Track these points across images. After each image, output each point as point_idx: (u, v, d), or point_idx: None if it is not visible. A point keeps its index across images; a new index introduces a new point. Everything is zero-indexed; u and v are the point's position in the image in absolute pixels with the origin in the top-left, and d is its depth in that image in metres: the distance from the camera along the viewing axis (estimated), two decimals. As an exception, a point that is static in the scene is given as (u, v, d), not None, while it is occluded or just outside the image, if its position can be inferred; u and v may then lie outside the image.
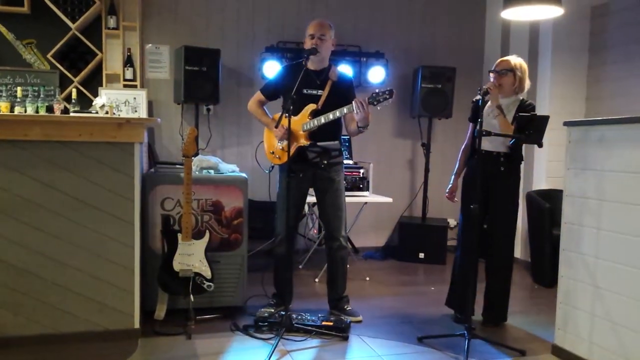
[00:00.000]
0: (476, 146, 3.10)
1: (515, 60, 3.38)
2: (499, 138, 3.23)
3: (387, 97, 3.19)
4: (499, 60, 3.43)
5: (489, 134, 2.97)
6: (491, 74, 3.39)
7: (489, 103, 3.35)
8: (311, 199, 3.75)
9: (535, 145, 3.03)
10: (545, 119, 2.90)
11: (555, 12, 3.51)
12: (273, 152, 3.55)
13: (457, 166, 3.67)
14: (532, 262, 4.85)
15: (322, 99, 3.42)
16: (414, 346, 3.15)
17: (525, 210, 4.96)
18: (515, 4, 3.41)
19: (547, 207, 4.53)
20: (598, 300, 2.80)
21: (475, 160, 3.40)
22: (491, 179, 3.34)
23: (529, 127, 2.86)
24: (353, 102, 3.26)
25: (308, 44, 3.41)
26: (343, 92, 3.43)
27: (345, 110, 3.29)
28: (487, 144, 3.34)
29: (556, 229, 4.31)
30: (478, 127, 2.98)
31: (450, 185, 3.66)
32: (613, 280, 2.72)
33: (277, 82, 3.59)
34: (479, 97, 3.10)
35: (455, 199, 3.65)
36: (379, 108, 3.25)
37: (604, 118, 2.81)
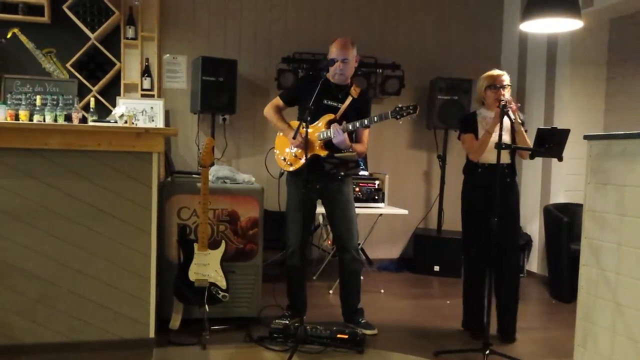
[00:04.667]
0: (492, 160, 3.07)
1: (506, 74, 3.41)
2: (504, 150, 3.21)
3: (411, 112, 3.19)
4: (497, 75, 3.39)
5: (508, 147, 2.94)
6: (491, 91, 3.37)
7: (484, 117, 3.40)
8: (322, 209, 3.74)
9: (553, 159, 3.00)
10: (566, 133, 2.86)
11: (574, 24, 3.48)
12: (284, 159, 3.55)
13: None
14: (550, 277, 4.79)
15: (341, 111, 3.43)
16: (430, 361, 3.12)
17: (542, 224, 4.91)
18: (535, 17, 3.39)
19: (565, 222, 4.47)
20: (619, 317, 2.75)
21: (480, 173, 3.40)
22: (495, 191, 3.28)
23: (550, 140, 2.83)
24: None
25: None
26: (360, 109, 3.46)
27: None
28: (491, 157, 3.30)
29: (574, 243, 4.27)
30: (497, 141, 2.96)
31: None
32: (635, 297, 2.66)
33: (297, 89, 3.61)
34: (501, 109, 3.11)
35: None
36: (400, 122, 3.25)
37: (627, 132, 2.77)
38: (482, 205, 3.34)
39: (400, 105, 3.22)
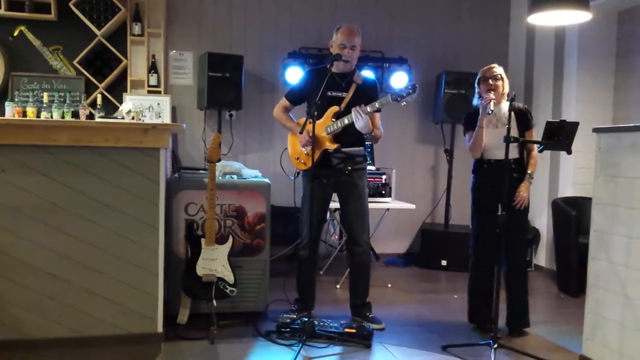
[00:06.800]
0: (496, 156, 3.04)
1: (498, 66, 3.42)
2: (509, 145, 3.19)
3: (410, 92, 3.18)
4: (487, 68, 3.42)
5: (517, 140, 2.92)
6: (482, 84, 3.38)
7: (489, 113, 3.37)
8: (332, 204, 3.73)
9: (561, 152, 2.98)
10: (575, 125, 2.84)
11: (583, 17, 3.45)
12: (298, 158, 3.54)
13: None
14: (558, 271, 4.77)
15: (345, 101, 3.40)
16: (438, 355, 3.11)
17: (550, 217, 4.88)
18: (542, 9, 3.36)
19: (574, 215, 4.45)
20: (628, 310, 2.73)
21: (486, 169, 3.40)
22: (504, 186, 3.26)
23: (558, 133, 2.81)
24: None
25: (336, 50, 3.38)
26: (367, 95, 3.40)
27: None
28: (497, 153, 3.30)
29: (583, 237, 4.25)
30: (505, 134, 2.94)
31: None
32: (644, 290, 2.65)
33: (302, 87, 3.59)
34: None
35: None
36: (403, 104, 3.25)
37: (636, 125, 2.75)
38: (489, 202, 3.33)
39: (400, 87, 3.20)
